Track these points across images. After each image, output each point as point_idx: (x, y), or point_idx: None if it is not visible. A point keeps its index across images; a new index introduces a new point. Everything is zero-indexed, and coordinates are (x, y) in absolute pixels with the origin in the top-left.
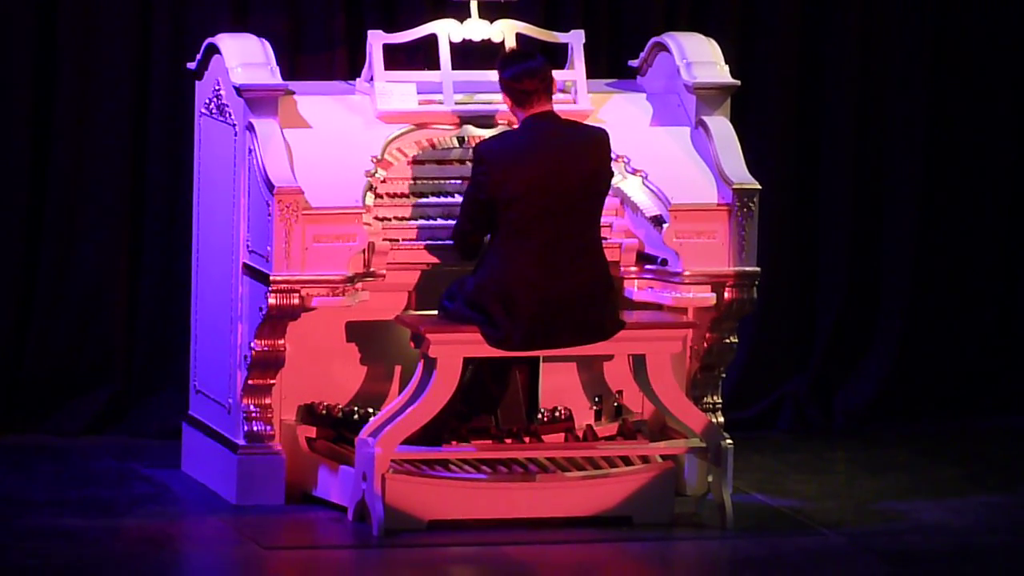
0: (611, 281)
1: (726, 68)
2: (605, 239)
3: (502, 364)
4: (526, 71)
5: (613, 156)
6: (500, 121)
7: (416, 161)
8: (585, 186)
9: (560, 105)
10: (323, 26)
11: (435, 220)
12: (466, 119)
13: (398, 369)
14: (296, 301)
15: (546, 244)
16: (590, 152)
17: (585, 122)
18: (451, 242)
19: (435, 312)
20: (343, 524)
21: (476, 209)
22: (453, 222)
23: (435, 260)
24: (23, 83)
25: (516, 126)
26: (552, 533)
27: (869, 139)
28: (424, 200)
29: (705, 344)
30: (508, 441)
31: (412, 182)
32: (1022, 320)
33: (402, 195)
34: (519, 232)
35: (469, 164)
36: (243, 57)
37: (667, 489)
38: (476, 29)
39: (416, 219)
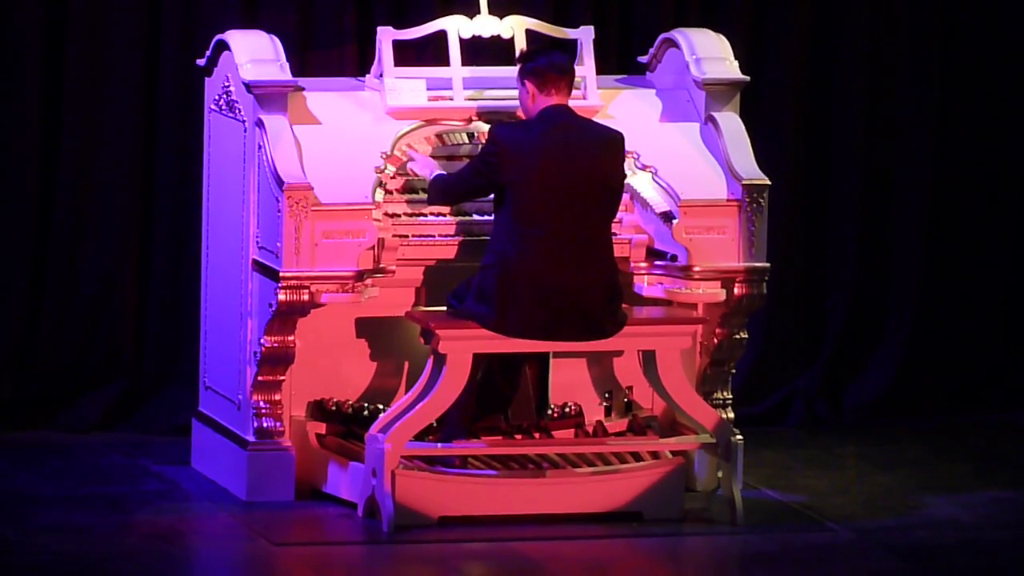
0: (617, 282)
1: (735, 64)
2: (615, 235)
3: (513, 363)
4: (552, 61)
5: None
6: (510, 117)
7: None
8: (596, 184)
9: (570, 101)
10: (333, 22)
11: (445, 216)
12: (476, 115)
13: (408, 365)
14: (306, 297)
15: (554, 234)
16: (604, 151)
17: (597, 120)
18: (440, 199)
19: (444, 308)
20: (353, 520)
21: (475, 179)
22: (463, 218)
23: (445, 256)
24: (32, 81)
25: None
26: (562, 529)
27: (879, 134)
28: None
29: (715, 340)
30: (518, 437)
31: (422, 178)
32: None
33: (412, 191)
34: (526, 218)
35: None
36: (252, 53)
37: (677, 485)
38: (486, 25)
39: (426, 215)
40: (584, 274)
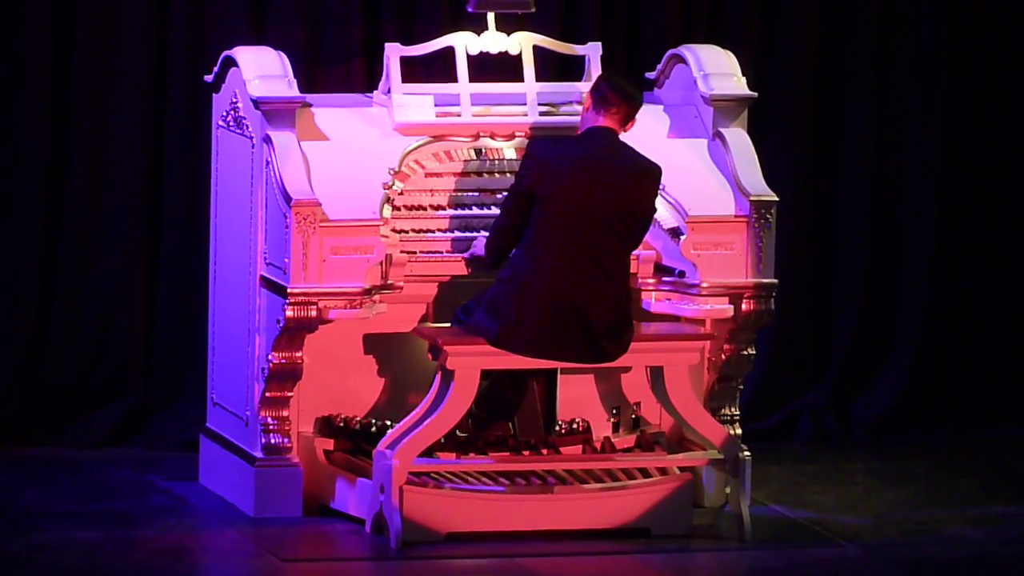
0: (628, 310)
1: (743, 80)
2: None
3: (521, 371)
4: (616, 84)
5: None
6: (518, 133)
7: (433, 173)
8: (622, 209)
9: (578, 118)
10: (340, 38)
11: (453, 232)
12: (483, 131)
13: (415, 381)
14: (313, 313)
15: (570, 252)
16: (636, 180)
17: (640, 152)
18: (494, 240)
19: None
20: (361, 536)
21: (513, 202)
22: (470, 234)
23: (453, 272)
24: (41, 96)
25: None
26: (570, 545)
27: (887, 150)
28: (442, 212)
29: (723, 356)
30: (526, 453)
31: (430, 194)
32: None
33: (420, 207)
34: (547, 234)
35: (486, 176)
36: (260, 69)
37: (685, 501)
38: (493, 42)
39: (434, 231)
40: (594, 297)
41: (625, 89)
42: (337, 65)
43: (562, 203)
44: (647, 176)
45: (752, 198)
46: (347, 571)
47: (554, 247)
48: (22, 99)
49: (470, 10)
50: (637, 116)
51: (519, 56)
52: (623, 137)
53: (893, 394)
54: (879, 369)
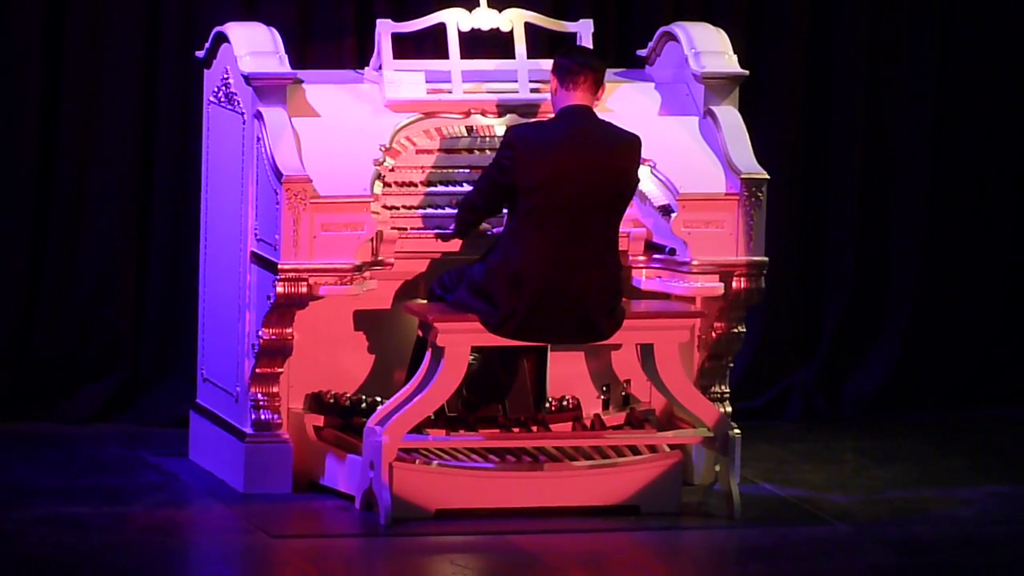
0: (619, 284)
1: (735, 58)
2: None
3: (511, 353)
4: (576, 58)
5: None
6: (509, 111)
7: (424, 150)
8: (609, 187)
9: None
10: (332, 15)
11: (443, 209)
12: (474, 108)
13: (406, 358)
14: (304, 290)
15: (561, 237)
16: (620, 154)
17: (617, 125)
18: (465, 215)
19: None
20: (350, 513)
21: (492, 189)
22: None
23: (443, 249)
24: (31, 71)
25: (549, 116)
26: (559, 522)
27: (878, 128)
28: (432, 189)
29: (713, 334)
30: (516, 430)
31: (420, 171)
32: None
33: (410, 184)
34: (536, 221)
35: (477, 153)
36: (252, 45)
37: (674, 478)
38: (485, 18)
39: (424, 208)
40: (588, 279)
41: (585, 58)
42: (328, 41)
43: (549, 191)
44: (628, 148)
45: (743, 176)
46: (336, 547)
47: (544, 235)
48: (13, 74)
49: None
50: (626, 92)
51: (510, 33)
52: (598, 107)
53: (883, 373)
54: (869, 348)
